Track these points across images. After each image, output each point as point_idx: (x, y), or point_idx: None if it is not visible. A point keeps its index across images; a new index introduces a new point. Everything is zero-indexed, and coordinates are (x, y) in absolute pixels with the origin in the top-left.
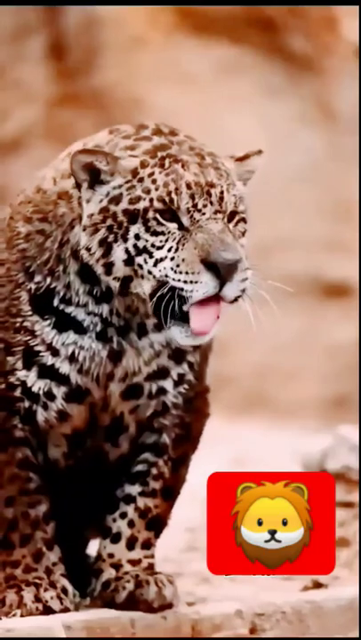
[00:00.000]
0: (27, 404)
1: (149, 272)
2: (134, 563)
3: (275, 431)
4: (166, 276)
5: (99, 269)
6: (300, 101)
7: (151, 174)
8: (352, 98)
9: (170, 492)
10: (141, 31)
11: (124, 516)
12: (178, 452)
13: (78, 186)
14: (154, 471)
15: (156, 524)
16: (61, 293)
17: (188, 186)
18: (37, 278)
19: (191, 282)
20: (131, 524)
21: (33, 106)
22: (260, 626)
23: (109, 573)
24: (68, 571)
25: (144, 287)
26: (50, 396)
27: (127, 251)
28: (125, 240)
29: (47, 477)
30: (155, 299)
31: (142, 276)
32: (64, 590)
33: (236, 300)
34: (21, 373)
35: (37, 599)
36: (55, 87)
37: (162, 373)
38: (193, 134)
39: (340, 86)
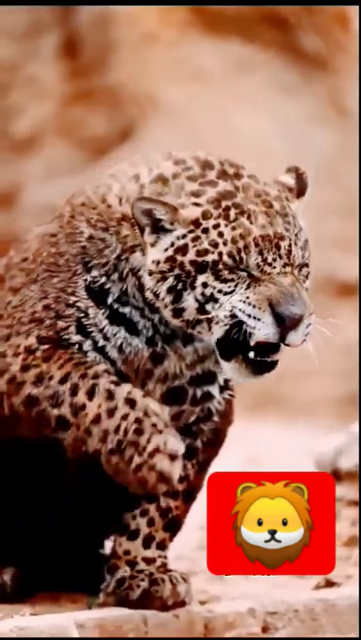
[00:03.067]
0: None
1: (217, 315)
2: (149, 561)
3: (288, 430)
4: (233, 307)
5: (166, 313)
6: (313, 99)
7: (216, 226)
8: None
9: (191, 495)
10: (154, 29)
11: (144, 513)
12: (205, 456)
13: (141, 229)
14: (181, 473)
15: (174, 525)
16: (116, 295)
17: (256, 242)
18: (94, 273)
19: (255, 318)
20: (150, 523)
21: (46, 103)
22: (273, 624)
23: (124, 571)
24: (81, 567)
25: (212, 329)
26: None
27: (196, 299)
28: (193, 288)
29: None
30: (219, 336)
31: (209, 320)
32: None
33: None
34: (76, 337)
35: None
36: (68, 85)
37: (208, 378)
38: (206, 132)
39: (353, 84)
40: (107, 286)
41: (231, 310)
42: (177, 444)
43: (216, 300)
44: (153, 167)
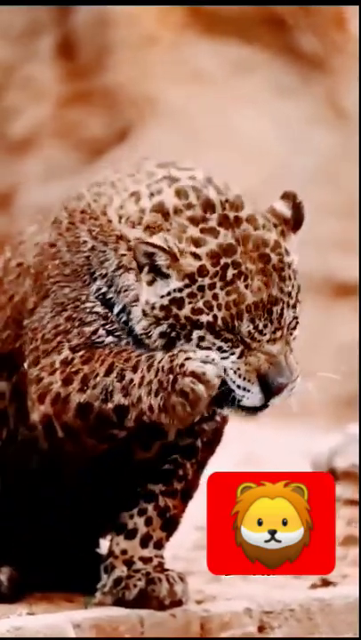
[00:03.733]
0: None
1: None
2: (146, 560)
3: (284, 430)
4: (225, 371)
5: (159, 354)
6: (312, 100)
7: (212, 286)
8: None
9: (188, 494)
10: (152, 30)
11: (142, 512)
12: (204, 455)
13: (139, 267)
14: (180, 472)
15: (171, 525)
16: (120, 306)
17: (249, 309)
18: (99, 283)
19: (244, 389)
20: (148, 522)
21: (43, 104)
22: (269, 624)
23: (121, 570)
24: (78, 566)
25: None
26: None
27: (194, 344)
28: (189, 340)
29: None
30: None
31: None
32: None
33: None
34: (108, 339)
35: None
36: (65, 86)
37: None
38: (204, 134)
39: (351, 85)
40: (109, 296)
41: (221, 375)
42: (212, 355)
43: (214, 345)
44: (154, 191)
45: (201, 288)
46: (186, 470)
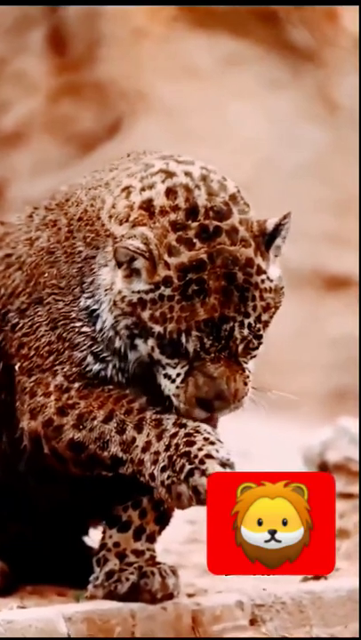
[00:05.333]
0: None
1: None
2: (138, 554)
3: (276, 423)
4: (168, 395)
5: (118, 344)
6: (303, 94)
7: (171, 298)
8: (354, 90)
9: None
10: (143, 23)
11: (136, 505)
12: None
13: (119, 264)
14: None
15: (164, 518)
16: (103, 319)
17: (199, 327)
18: (85, 296)
19: (185, 411)
20: (142, 515)
21: (34, 98)
22: (260, 617)
23: (114, 563)
24: (69, 560)
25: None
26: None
27: (147, 350)
28: (146, 342)
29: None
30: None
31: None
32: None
33: None
34: (96, 366)
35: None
36: (56, 79)
37: None
38: (196, 127)
39: (343, 79)
40: (93, 307)
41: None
42: (229, 455)
43: (163, 367)
44: (146, 186)
45: (161, 297)
46: None
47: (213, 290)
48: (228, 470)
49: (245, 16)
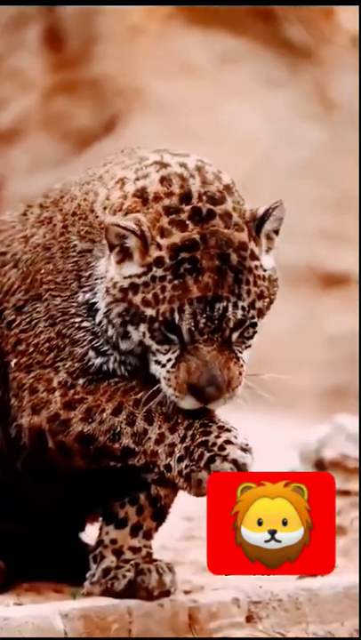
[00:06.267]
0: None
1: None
2: (135, 550)
3: (273, 421)
4: (159, 379)
5: (111, 332)
6: (300, 92)
7: (163, 278)
8: (351, 88)
9: None
10: (139, 21)
11: (134, 501)
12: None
13: (110, 247)
14: None
15: (161, 514)
16: (102, 312)
17: (191, 303)
18: (85, 289)
19: (176, 397)
20: (139, 511)
21: (30, 95)
22: (257, 614)
23: (110, 560)
24: (66, 557)
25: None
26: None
27: (139, 337)
28: (138, 328)
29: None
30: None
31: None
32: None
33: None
34: (97, 360)
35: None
36: (52, 76)
37: None
38: (192, 125)
39: (340, 76)
40: (93, 301)
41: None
42: (247, 441)
43: (154, 354)
44: (140, 176)
45: (153, 279)
46: None
47: (207, 269)
48: (248, 456)
49: (242, 14)
